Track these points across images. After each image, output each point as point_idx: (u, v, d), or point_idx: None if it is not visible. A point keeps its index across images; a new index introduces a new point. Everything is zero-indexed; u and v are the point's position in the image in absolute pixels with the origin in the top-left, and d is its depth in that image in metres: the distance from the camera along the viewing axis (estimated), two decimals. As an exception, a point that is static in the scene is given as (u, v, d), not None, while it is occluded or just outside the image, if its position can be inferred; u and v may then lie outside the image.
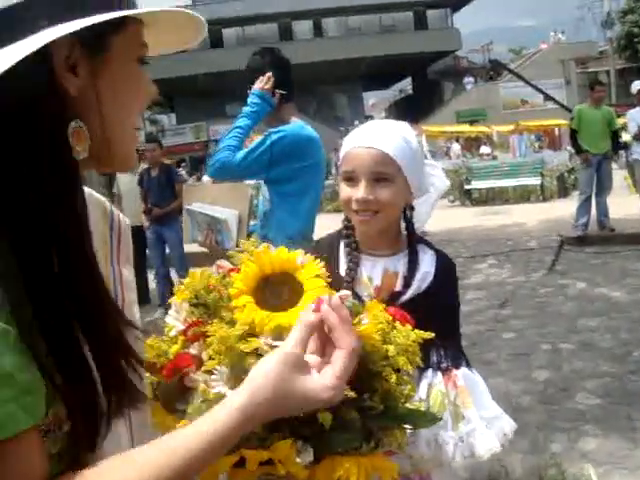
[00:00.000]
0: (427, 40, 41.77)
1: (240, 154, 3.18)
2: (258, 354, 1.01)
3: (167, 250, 8.44)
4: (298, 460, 0.98)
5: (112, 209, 1.11)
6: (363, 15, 43.38)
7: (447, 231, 11.37)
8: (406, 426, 1.10)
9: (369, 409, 1.05)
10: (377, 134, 1.69)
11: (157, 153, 8.26)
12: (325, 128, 39.34)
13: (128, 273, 1.12)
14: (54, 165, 0.76)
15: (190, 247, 8.20)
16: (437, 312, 1.56)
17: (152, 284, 9.06)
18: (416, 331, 1.14)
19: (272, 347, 1.01)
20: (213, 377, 1.03)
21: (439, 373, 1.61)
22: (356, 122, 29.80)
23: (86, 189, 1.04)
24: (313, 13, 42.40)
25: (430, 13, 44.77)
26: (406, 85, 54.07)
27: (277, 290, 1.10)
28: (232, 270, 1.18)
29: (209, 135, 36.10)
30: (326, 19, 43.90)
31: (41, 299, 0.74)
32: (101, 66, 0.83)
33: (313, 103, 43.88)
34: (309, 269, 1.11)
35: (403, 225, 1.80)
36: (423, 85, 48.16)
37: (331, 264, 1.67)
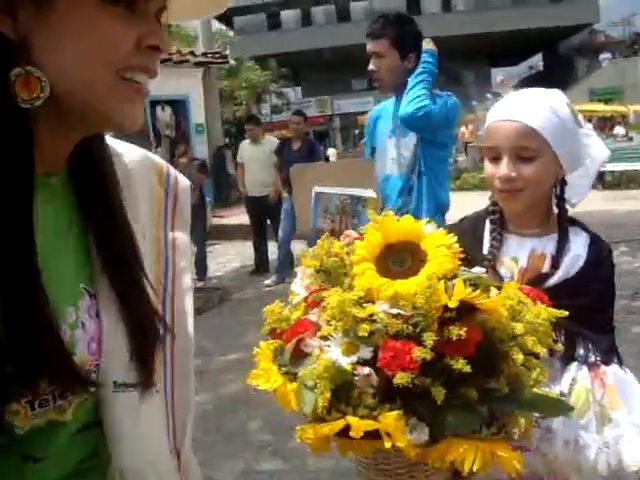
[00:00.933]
0: (562, 13, 39.89)
1: (436, 105, 3.16)
2: (373, 320, 1.00)
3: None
4: (410, 437, 0.96)
5: (170, 172, 1.08)
6: (494, -12, 42.02)
7: (574, 214, 10.93)
8: (534, 414, 1.05)
9: (493, 390, 1.00)
10: (520, 105, 1.58)
11: (301, 126, 8.49)
12: (449, 104, 38.80)
13: (182, 238, 1.06)
14: None
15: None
16: (587, 300, 1.46)
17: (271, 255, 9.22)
18: (549, 309, 1.07)
19: (387, 314, 1.00)
20: (327, 342, 1.03)
21: (585, 368, 1.47)
22: (489, 95, 29.02)
23: (141, 150, 1.04)
24: (442, -14, 41.52)
25: (566, -16, 42.80)
26: (536, 61, 52.08)
27: (400, 258, 1.07)
28: (357, 239, 1.16)
29: (333, 109, 36.20)
30: (456, -8, 42.88)
31: None
32: (45, 7, 0.76)
33: (440, 78, 43.19)
34: (434, 238, 1.07)
35: (555, 202, 1.67)
36: (554, 61, 46.17)
37: (475, 242, 1.61)
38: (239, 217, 11.64)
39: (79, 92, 0.79)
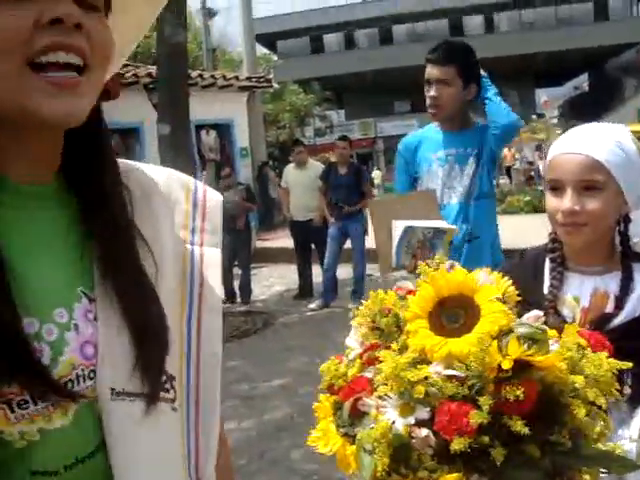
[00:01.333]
0: (608, 32, 39.49)
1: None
2: (428, 382, 0.98)
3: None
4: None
5: (198, 186, 1.08)
6: (537, 8, 41.85)
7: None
8: (601, 469, 1.01)
9: (556, 444, 0.97)
10: (585, 139, 1.55)
11: (347, 152, 8.54)
12: (494, 125, 38.57)
13: (212, 254, 1.05)
14: None
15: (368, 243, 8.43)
16: None
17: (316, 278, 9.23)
18: (611, 360, 1.04)
19: (441, 376, 0.98)
20: (384, 403, 1.01)
21: None
22: (533, 116, 28.74)
23: (165, 170, 1.06)
24: (485, 8, 41.47)
25: (612, 2, 42.40)
26: (582, 82, 51.53)
27: (453, 314, 1.05)
28: (410, 292, 1.14)
29: (376, 132, 36.31)
30: (498, 14, 42.79)
31: None
32: None
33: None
34: (487, 291, 1.04)
35: (618, 239, 1.63)
36: (601, 81, 45.64)
37: (536, 280, 1.58)
38: (283, 240, 11.69)
39: None
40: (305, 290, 9.19)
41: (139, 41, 1.07)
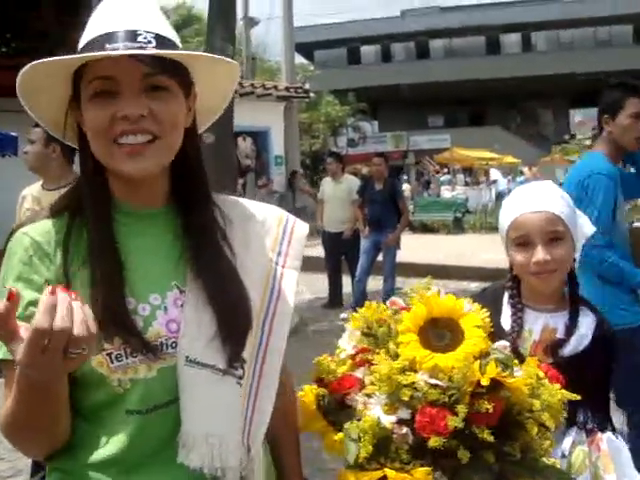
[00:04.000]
0: (646, 55, 39.17)
1: None
2: (413, 387, 1.18)
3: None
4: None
5: (289, 219, 1.42)
6: (576, 29, 41.57)
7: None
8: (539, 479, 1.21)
9: (507, 455, 1.17)
10: (542, 197, 1.80)
11: (382, 168, 8.69)
12: (527, 144, 38.39)
13: (290, 275, 1.37)
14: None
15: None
16: (589, 376, 1.65)
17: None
18: (563, 391, 1.25)
19: (427, 383, 1.17)
20: (371, 400, 1.21)
21: (583, 433, 1.68)
22: (566, 136, 28.44)
23: (266, 205, 1.44)
24: (523, 26, 41.30)
25: (652, 26, 42.03)
26: (618, 103, 51.01)
27: (440, 333, 1.25)
28: (403, 308, 1.35)
29: (408, 145, 36.33)
30: (536, 33, 42.61)
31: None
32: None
33: (516, 118, 42.78)
34: (471, 319, 1.25)
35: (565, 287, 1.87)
36: (637, 103, 45.22)
37: (495, 312, 1.73)
38: (312, 249, 11.87)
39: (98, 156, 1.22)
40: (335, 299, 9.35)
41: (223, 109, 1.45)
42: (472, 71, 37.80)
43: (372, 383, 1.23)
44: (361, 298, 8.62)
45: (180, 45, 1.28)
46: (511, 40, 42.69)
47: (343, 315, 8.57)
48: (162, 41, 1.20)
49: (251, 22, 23.30)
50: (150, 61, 1.16)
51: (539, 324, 1.81)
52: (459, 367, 1.17)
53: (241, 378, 1.24)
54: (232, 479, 1.22)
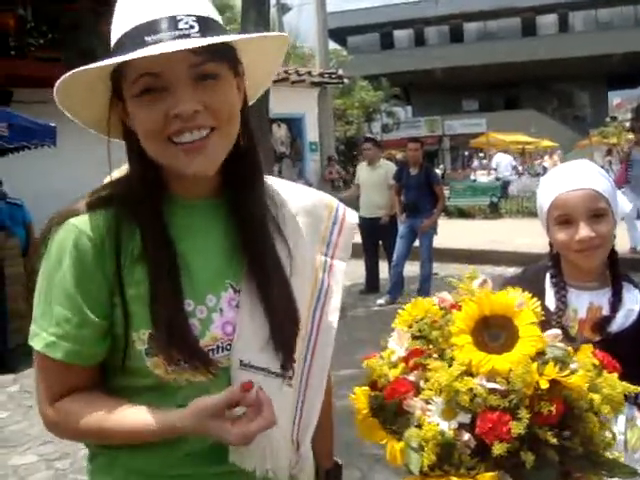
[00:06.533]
0: (688, 34, 38.22)
1: None
2: (472, 392, 1.14)
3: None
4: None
5: (340, 208, 1.38)
6: (615, 8, 40.73)
7: None
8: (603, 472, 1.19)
9: (569, 449, 1.14)
10: (582, 175, 1.80)
11: (418, 153, 8.62)
12: (563, 127, 37.82)
13: (339, 266, 1.35)
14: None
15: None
16: (639, 350, 1.65)
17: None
18: (624, 384, 1.21)
19: (485, 388, 1.14)
20: (430, 406, 1.17)
21: (635, 409, 1.67)
22: (607, 119, 27.87)
23: (318, 193, 1.40)
24: (559, 7, 40.62)
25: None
26: (658, 83, 50.04)
27: (494, 333, 1.21)
28: (453, 307, 1.30)
29: (443, 129, 36.07)
30: (573, 13, 41.87)
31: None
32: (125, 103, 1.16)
33: (553, 101, 42.17)
34: (525, 316, 1.21)
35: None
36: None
37: (538, 295, 1.78)
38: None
39: (152, 156, 1.15)
40: (372, 285, 9.31)
41: (269, 84, 1.39)
42: (507, 54, 37.36)
43: (429, 388, 1.19)
44: (398, 283, 8.64)
45: (221, 22, 1.19)
46: (547, 21, 42.03)
47: (380, 301, 8.60)
48: (205, 23, 1.11)
49: (283, 8, 23.32)
50: (198, 49, 1.07)
51: (583, 302, 1.80)
52: (518, 371, 1.14)
53: (291, 378, 1.23)
54: (282, 479, 1.23)
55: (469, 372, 1.16)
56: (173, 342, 1.12)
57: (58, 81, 1.10)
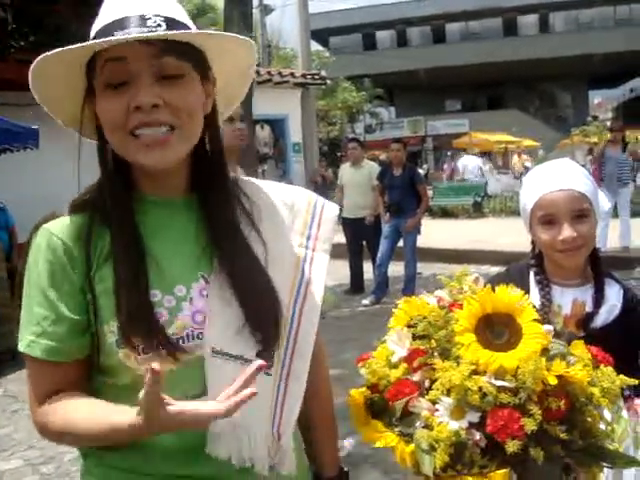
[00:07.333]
0: (667, 34, 38.51)
1: None
2: (482, 391, 1.15)
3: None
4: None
5: (318, 202, 1.39)
6: (595, 8, 40.96)
7: None
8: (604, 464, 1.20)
9: (570, 442, 1.15)
10: (566, 176, 1.83)
11: (401, 153, 8.66)
12: (545, 127, 38.04)
13: (320, 258, 1.34)
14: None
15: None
16: (622, 343, 1.66)
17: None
18: (622, 377, 1.24)
19: (494, 386, 1.14)
20: (437, 406, 1.17)
21: (621, 400, 1.67)
22: (589, 119, 28.01)
23: (294, 188, 1.41)
24: (540, 7, 40.82)
25: (675, 2, 41.33)
26: (637, 84, 50.43)
27: (498, 330, 1.21)
28: (453, 305, 1.30)
29: (426, 130, 36.13)
30: (554, 13, 42.10)
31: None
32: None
33: (535, 101, 42.37)
34: (527, 313, 1.22)
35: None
36: (658, 83, 44.57)
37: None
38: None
39: (116, 150, 1.20)
40: (356, 286, 9.34)
41: (244, 94, 1.40)
42: (489, 54, 37.49)
43: (437, 388, 1.18)
44: (383, 283, 8.67)
45: (193, 27, 1.24)
46: (528, 21, 42.23)
47: (365, 301, 8.62)
48: (172, 24, 1.16)
49: (266, 9, 23.28)
50: (159, 42, 1.13)
51: (566, 299, 1.83)
52: (527, 368, 1.14)
53: (269, 368, 1.22)
54: (261, 469, 1.21)
55: (476, 371, 1.17)
56: (136, 328, 1.14)
57: (32, 65, 1.16)
